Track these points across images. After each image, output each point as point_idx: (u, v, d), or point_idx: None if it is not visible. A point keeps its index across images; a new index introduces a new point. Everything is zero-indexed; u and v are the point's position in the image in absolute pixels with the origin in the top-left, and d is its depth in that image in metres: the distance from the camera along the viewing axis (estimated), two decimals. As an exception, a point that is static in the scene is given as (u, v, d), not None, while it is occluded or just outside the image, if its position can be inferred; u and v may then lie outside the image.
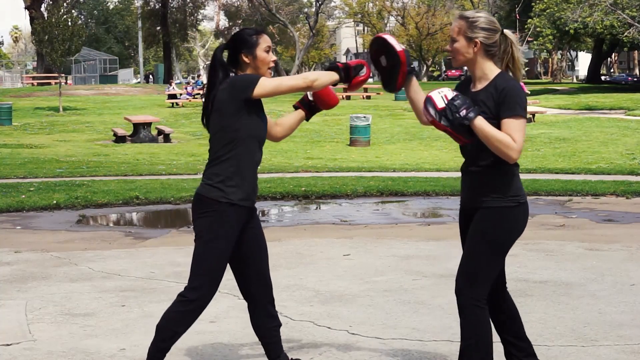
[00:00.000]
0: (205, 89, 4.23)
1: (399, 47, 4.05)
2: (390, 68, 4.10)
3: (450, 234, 9.09)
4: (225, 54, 4.24)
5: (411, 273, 7.02)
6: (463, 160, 4.09)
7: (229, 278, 6.88)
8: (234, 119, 4.04)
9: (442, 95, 3.87)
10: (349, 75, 4.13)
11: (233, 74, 4.13)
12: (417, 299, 6.13)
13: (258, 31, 4.21)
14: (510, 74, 4.01)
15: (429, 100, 3.88)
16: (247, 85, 4.02)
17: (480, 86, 3.96)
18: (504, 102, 3.85)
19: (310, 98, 4.42)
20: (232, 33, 4.15)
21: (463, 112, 3.81)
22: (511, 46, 3.99)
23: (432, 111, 3.86)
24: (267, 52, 4.16)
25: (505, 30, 3.98)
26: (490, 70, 3.95)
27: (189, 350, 4.97)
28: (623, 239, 8.58)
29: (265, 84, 4.01)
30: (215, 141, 4.12)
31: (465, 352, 4.02)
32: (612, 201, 11.63)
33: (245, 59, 4.14)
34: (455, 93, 3.89)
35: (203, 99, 4.22)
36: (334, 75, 4.13)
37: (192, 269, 4.15)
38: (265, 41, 4.17)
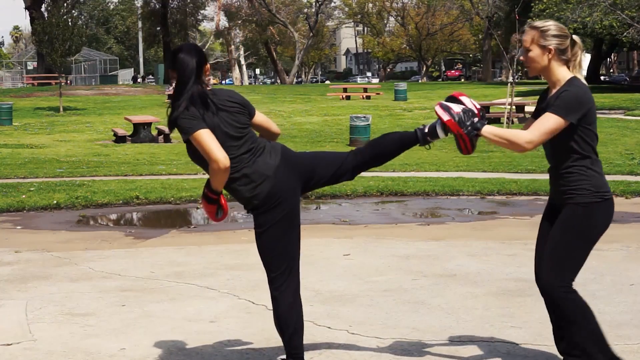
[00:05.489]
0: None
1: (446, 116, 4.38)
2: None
3: (450, 234, 9.10)
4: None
5: (411, 273, 7.03)
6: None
7: (228, 278, 6.90)
8: None
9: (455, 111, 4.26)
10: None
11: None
12: (417, 299, 6.14)
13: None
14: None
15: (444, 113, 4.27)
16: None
17: (554, 91, 4.13)
18: (555, 101, 4.03)
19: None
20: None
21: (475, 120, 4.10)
22: (578, 50, 4.17)
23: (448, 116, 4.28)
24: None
25: (573, 36, 4.15)
26: (563, 75, 4.11)
27: (189, 350, 4.98)
28: (622, 239, 8.58)
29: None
30: None
31: (577, 339, 4.10)
32: (612, 201, 11.61)
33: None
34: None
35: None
36: None
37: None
38: None
